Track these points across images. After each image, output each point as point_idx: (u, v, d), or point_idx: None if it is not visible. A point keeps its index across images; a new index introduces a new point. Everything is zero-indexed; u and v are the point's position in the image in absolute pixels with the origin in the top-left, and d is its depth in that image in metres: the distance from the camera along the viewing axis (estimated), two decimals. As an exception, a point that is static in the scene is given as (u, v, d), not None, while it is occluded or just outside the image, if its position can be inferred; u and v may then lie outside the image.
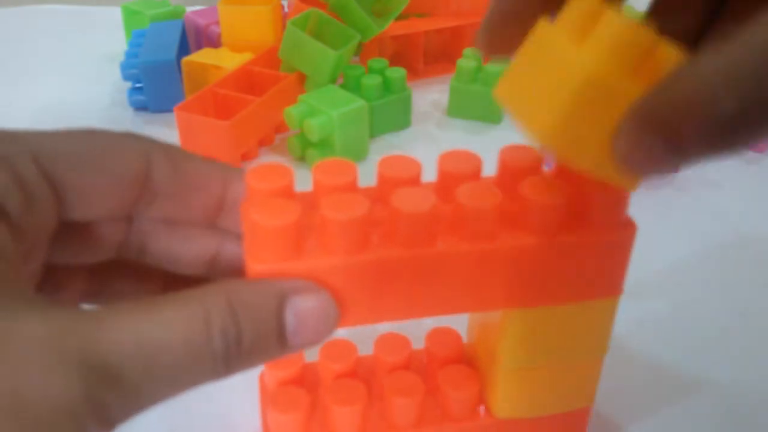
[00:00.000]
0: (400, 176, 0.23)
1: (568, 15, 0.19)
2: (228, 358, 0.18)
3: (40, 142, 0.20)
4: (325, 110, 0.48)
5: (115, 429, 0.17)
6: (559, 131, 0.19)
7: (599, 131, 0.19)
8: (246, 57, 0.56)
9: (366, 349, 0.30)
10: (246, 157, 0.51)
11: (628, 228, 0.24)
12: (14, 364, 0.16)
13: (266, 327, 0.19)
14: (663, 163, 0.17)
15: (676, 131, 0.17)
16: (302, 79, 0.55)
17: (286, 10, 0.65)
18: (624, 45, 0.18)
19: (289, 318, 0.20)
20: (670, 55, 0.18)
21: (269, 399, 0.27)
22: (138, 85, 0.58)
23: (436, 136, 0.56)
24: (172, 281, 0.24)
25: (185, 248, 0.23)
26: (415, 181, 0.24)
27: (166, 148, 0.22)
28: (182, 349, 0.18)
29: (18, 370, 0.16)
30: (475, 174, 0.24)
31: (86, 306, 0.23)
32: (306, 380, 0.29)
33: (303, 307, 0.20)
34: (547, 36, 0.20)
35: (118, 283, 0.24)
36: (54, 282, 0.22)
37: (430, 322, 0.30)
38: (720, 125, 0.16)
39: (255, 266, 0.21)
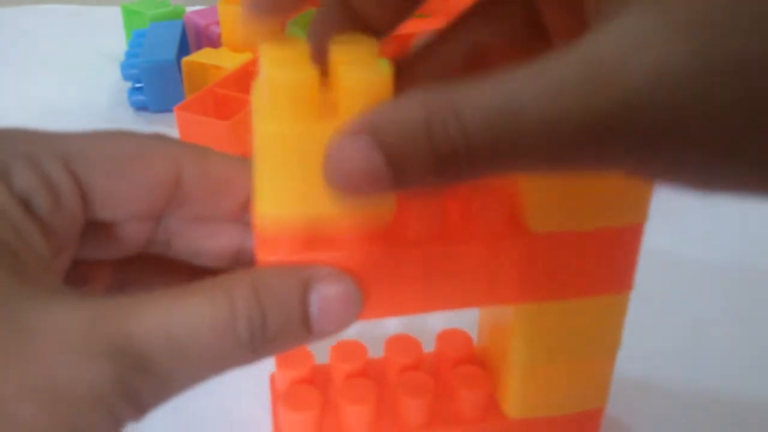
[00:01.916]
0: None
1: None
2: (254, 344, 0.19)
3: (69, 145, 0.20)
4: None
5: (145, 414, 0.18)
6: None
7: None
8: (246, 57, 0.56)
9: (376, 352, 0.30)
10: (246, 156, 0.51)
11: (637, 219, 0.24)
12: (50, 352, 0.16)
13: (291, 313, 0.19)
14: (381, 181, 0.17)
15: (399, 155, 0.17)
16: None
17: (286, 10, 0.65)
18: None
19: (314, 304, 0.20)
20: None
21: (281, 398, 0.28)
22: (138, 85, 0.58)
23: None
24: (196, 274, 0.25)
25: (211, 243, 0.24)
26: None
27: (196, 151, 0.22)
28: (209, 337, 0.18)
29: (54, 357, 0.16)
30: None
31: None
32: (317, 380, 0.29)
33: (327, 294, 0.20)
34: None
35: (143, 276, 0.24)
36: (80, 275, 0.22)
37: (440, 325, 0.30)
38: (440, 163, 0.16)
39: (266, 258, 0.21)
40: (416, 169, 0.17)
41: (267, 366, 0.29)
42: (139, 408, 0.18)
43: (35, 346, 0.16)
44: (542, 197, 0.22)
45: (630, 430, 0.31)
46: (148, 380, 0.17)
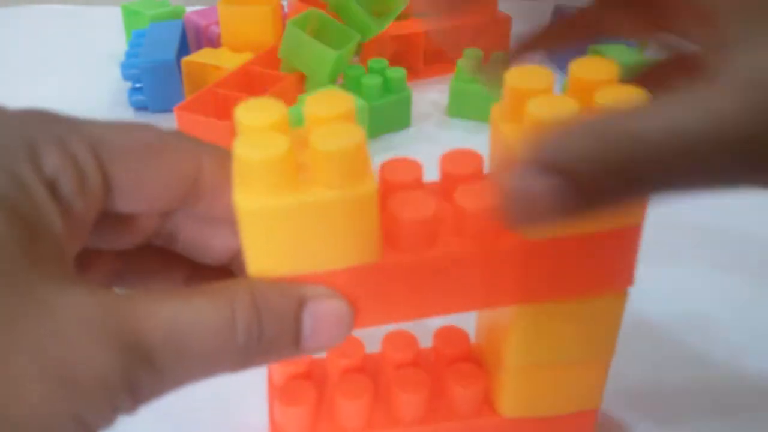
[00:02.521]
0: (402, 180, 0.23)
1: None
2: (248, 351, 0.19)
3: (97, 132, 0.20)
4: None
5: (141, 406, 0.19)
6: None
7: None
8: (246, 57, 0.56)
9: (373, 347, 0.30)
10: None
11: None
12: (63, 336, 0.17)
13: (284, 328, 0.20)
14: (568, 207, 0.18)
15: (590, 179, 0.18)
16: (302, 79, 0.55)
17: (286, 10, 0.65)
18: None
19: (307, 322, 0.20)
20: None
21: (276, 392, 0.28)
22: (138, 85, 0.58)
23: (436, 136, 0.56)
24: (195, 269, 0.25)
25: (214, 242, 0.24)
26: (416, 183, 0.24)
27: (215, 150, 0.23)
28: (210, 339, 0.19)
29: (66, 342, 0.17)
30: (478, 173, 0.24)
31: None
32: (313, 375, 0.29)
33: (320, 312, 0.21)
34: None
35: (142, 268, 0.25)
36: (82, 263, 0.23)
37: (437, 321, 0.30)
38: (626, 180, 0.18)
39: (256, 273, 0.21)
40: (598, 189, 0.18)
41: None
42: (137, 400, 0.18)
43: (52, 323, 0.17)
44: None
45: (628, 430, 0.31)
46: (150, 373, 0.18)
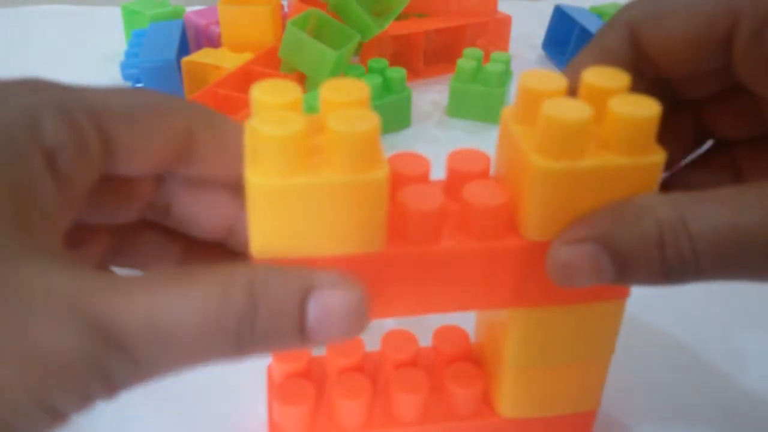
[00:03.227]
0: (409, 173, 0.23)
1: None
2: (240, 340, 0.18)
3: (97, 98, 0.20)
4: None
5: (116, 394, 0.18)
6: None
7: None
8: (246, 57, 0.56)
9: (373, 345, 0.30)
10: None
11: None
12: (37, 315, 0.16)
13: (285, 316, 0.19)
14: (605, 281, 0.21)
15: (629, 260, 0.20)
16: (302, 79, 0.55)
17: (286, 10, 0.65)
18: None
19: (312, 312, 0.19)
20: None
21: (275, 391, 0.28)
22: (138, 84, 0.58)
23: (436, 136, 0.56)
24: (191, 246, 0.25)
25: (209, 212, 0.24)
26: (423, 178, 0.24)
27: (206, 111, 0.23)
28: (196, 327, 0.18)
29: (35, 320, 0.16)
30: (484, 173, 0.24)
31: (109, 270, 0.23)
32: (312, 374, 0.29)
33: (327, 302, 0.19)
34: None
35: (137, 245, 0.24)
36: (78, 239, 0.23)
37: (437, 320, 0.30)
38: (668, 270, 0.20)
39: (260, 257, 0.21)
40: (643, 274, 0.20)
41: (265, 357, 0.29)
42: (111, 387, 0.18)
43: (21, 302, 0.16)
44: (539, 209, 0.22)
45: (627, 430, 0.31)
46: (125, 363, 0.17)
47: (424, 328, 0.30)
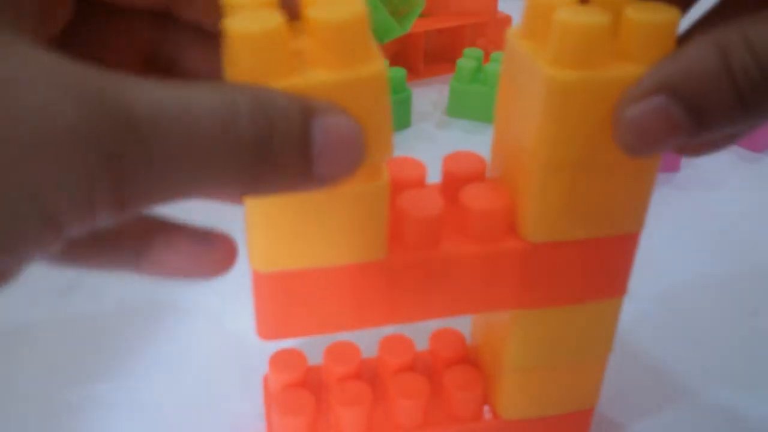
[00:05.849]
0: (406, 178, 0.23)
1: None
2: (257, 152, 0.16)
3: None
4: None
5: (128, 209, 0.16)
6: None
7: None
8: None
9: (370, 352, 0.30)
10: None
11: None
12: (32, 88, 0.14)
13: (294, 132, 0.17)
14: (682, 135, 0.18)
15: (701, 100, 0.18)
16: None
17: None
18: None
19: (316, 135, 0.17)
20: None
21: (274, 402, 0.27)
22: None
23: (436, 136, 0.56)
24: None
25: (212, 66, 0.21)
26: (420, 183, 0.24)
27: None
28: (210, 121, 0.16)
29: (34, 94, 0.14)
30: (480, 175, 0.24)
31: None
32: (310, 383, 0.29)
33: (330, 126, 0.17)
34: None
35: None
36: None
37: (433, 324, 0.30)
38: (742, 96, 0.18)
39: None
40: (720, 110, 0.18)
41: (260, 368, 0.29)
42: (119, 188, 0.15)
43: (15, 73, 0.14)
44: (539, 208, 0.22)
45: (624, 429, 0.31)
46: (135, 147, 0.15)
47: (420, 331, 0.30)
